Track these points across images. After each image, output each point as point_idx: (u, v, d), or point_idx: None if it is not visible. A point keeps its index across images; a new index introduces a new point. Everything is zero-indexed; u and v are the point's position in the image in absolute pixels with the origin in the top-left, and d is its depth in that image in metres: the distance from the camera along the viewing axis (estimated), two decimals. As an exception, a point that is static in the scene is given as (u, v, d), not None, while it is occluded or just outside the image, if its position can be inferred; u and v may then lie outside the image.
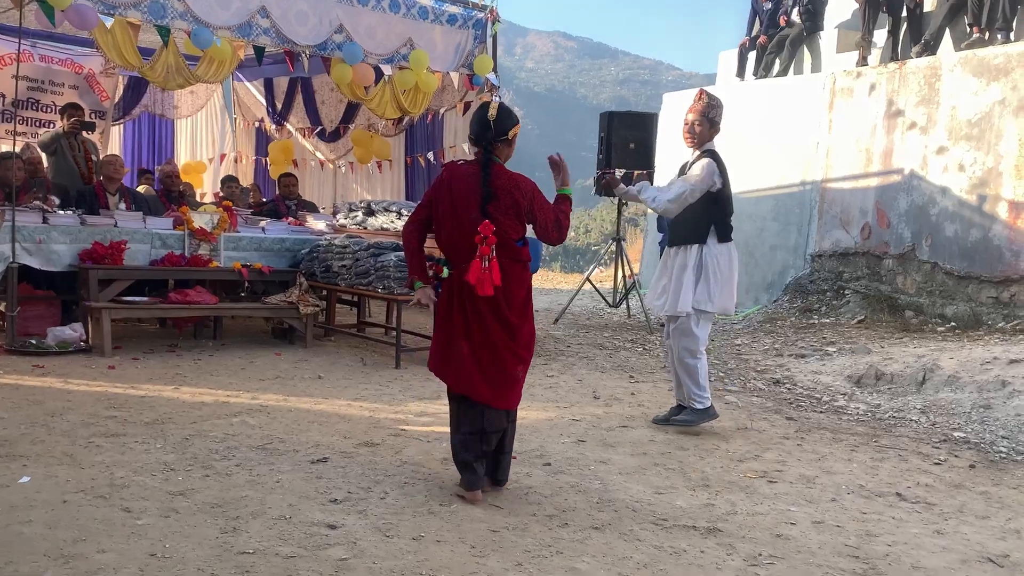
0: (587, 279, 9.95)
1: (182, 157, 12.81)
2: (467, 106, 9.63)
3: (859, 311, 9.33)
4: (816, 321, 9.33)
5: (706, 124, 4.94)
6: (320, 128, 11.25)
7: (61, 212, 6.68)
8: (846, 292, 9.65)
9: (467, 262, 3.58)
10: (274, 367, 6.36)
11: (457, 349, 3.65)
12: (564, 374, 6.69)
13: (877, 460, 4.72)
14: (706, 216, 4.91)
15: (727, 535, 3.46)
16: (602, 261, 11.53)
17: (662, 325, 9.84)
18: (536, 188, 3.72)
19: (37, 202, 6.71)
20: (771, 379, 6.90)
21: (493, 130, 3.66)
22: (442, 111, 9.73)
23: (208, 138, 13.12)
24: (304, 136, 11.58)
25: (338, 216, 7.99)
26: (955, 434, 5.36)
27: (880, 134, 9.64)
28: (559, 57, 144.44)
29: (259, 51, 7.67)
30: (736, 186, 11.10)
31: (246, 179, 13.09)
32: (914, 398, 6.25)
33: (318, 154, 11.54)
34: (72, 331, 6.23)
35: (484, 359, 3.63)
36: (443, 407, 5.29)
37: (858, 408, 6.06)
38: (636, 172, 9.27)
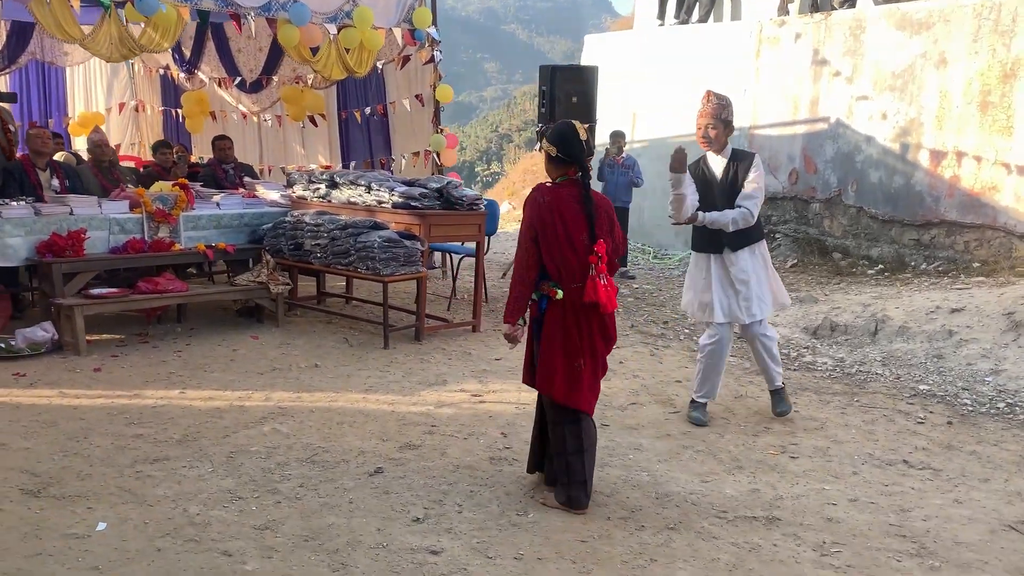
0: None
1: (76, 108, 11.99)
2: (405, 60, 9.42)
3: (791, 254, 9.89)
4: (752, 265, 9.83)
5: (721, 127, 4.80)
6: (240, 79, 10.71)
7: (14, 203, 6.22)
8: (776, 235, 10.18)
9: (579, 282, 3.64)
10: (262, 355, 6.26)
11: (578, 368, 3.73)
12: (546, 342, 6.87)
13: (869, 423, 5.18)
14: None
15: (786, 523, 3.78)
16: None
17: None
18: None
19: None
20: (734, 333, 7.29)
21: (587, 150, 3.72)
22: (381, 65, 9.47)
23: (104, 87, 12.29)
24: (221, 87, 11.00)
25: (295, 187, 7.74)
26: (920, 387, 5.91)
27: (807, 83, 10.06)
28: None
29: (203, 15, 7.27)
30: (664, 131, 11.48)
31: (153, 131, 12.40)
32: (871, 349, 6.79)
33: (240, 106, 11.01)
34: (44, 331, 5.90)
35: (594, 373, 3.81)
36: (456, 394, 5.45)
37: (825, 363, 6.54)
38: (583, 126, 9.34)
